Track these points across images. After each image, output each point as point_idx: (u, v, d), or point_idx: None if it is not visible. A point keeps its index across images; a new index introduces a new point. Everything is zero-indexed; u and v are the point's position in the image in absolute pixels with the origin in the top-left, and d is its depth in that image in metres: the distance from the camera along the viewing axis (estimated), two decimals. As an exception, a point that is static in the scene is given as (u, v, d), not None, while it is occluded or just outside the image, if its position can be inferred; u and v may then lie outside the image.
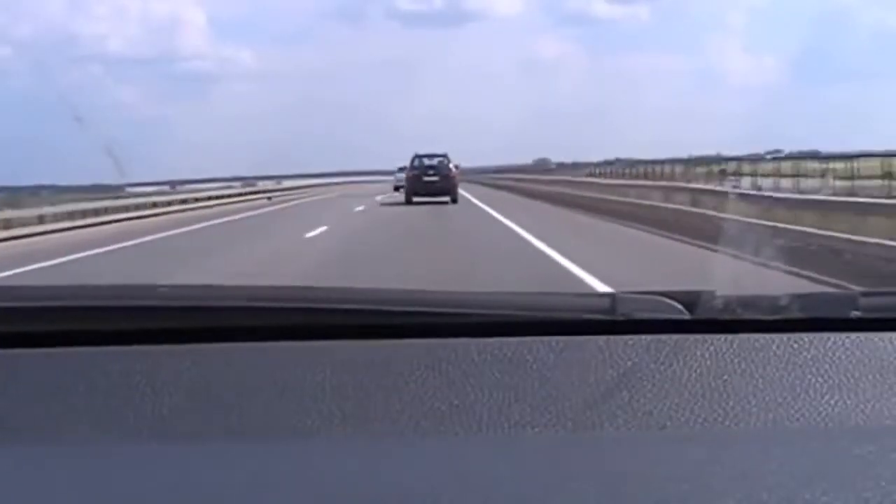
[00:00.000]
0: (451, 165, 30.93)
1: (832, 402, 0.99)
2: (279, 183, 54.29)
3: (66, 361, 1.09)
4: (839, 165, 29.98)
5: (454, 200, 28.84)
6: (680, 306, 1.13)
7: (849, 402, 0.99)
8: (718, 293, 1.15)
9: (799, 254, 9.48)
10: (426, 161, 31.27)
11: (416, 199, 29.32)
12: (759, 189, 23.93)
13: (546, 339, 1.09)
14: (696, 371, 1.04)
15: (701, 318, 1.13)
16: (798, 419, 0.97)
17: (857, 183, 25.85)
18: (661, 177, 35.35)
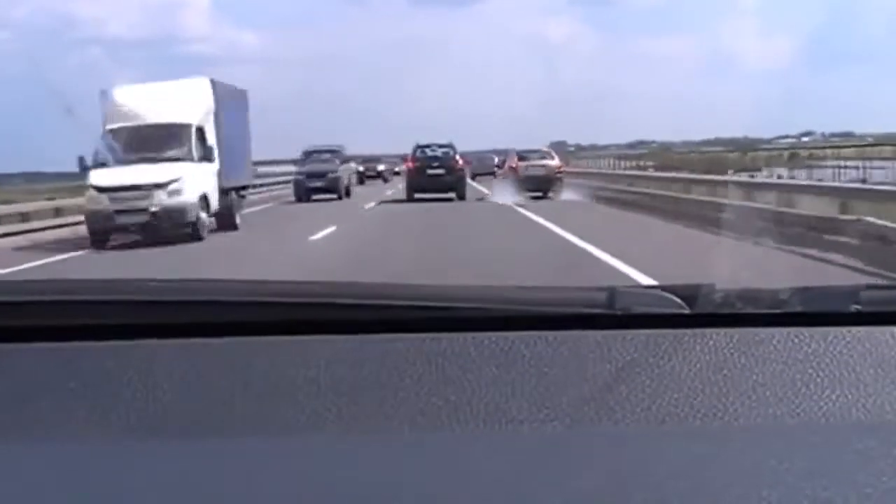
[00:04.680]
0: (456, 156, 27.73)
1: (833, 396, 0.98)
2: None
3: (56, 356, 1.09)
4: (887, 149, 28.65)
5: (461, 197, 26.10)
6: (679, 301, 1.13)
7: (849, 396, 0.98)
8: (718, 287, 1.15)
9: None
10: (429, 152, 27.80)
11: (417, 195, 26.22)
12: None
13: (544, 333, 1.08)
14: (695, 366, 1.03)
15: (700, 313, 1.12)
16: (798, 414, 0.96)
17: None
18: (725, 165, 32.96)
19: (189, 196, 16.00)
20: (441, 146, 28.28)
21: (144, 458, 0.92)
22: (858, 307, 1.13)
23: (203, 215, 16.54)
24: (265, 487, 0.85)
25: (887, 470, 0.84)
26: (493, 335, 1.08)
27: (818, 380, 1.01)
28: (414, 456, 0.92)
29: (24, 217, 21.66)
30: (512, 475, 0.87)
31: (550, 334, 1.08)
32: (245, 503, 0.84)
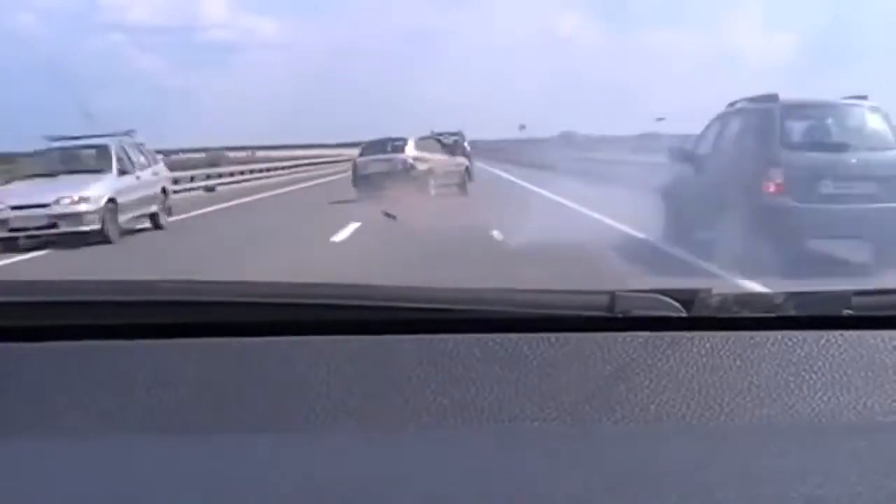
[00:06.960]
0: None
1: (825, 398, 1.01)
2: (252, 154, 44.69)
3: (68, 356, 1.11)
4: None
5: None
6: (677, 304, 1.15)
7: (841, 398, 1.01)
8: (715, 291, 1.17)
9: None
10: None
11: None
12: None
13: (546, 335, 1.10)
14: (692, 367, 1.05)
15: (697, 316, 1.15)
16: (792, 415, 0.99)
17: None
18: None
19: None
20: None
21: (157, 455, 0.94)
22: (850, 312, 1.16)
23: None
24: (275, 485, 0.87)
25: (878, 470, 0.87)
26: (498, 336, 1.10)
27: (811, 382, 1.03)
28: (420, 453, 0.94)
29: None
30: (515, 472, 0.89)
31: (553, 336, 1.10)
32: (255, 501, 0.86)
